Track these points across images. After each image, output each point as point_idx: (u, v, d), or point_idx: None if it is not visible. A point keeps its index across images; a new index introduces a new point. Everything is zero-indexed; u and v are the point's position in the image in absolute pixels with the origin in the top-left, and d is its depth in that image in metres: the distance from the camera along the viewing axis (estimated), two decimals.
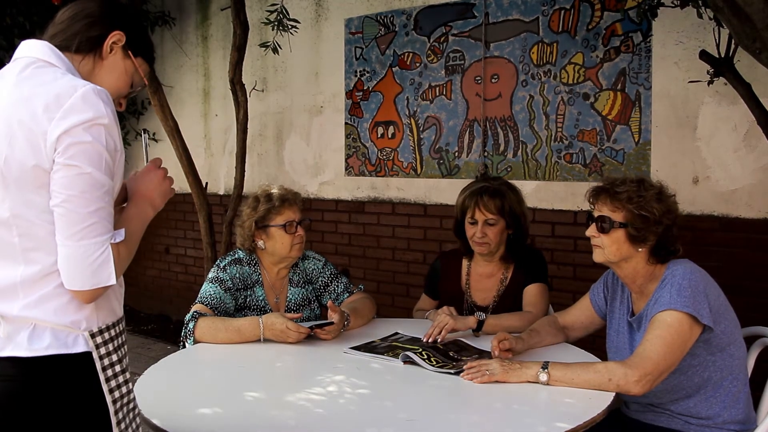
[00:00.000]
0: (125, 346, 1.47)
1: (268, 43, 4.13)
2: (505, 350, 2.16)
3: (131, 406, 1.45)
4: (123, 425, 1.41)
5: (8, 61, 1.46)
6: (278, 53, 4.20)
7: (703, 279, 2.04)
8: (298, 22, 4.21)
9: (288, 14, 4.08)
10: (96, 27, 1.48)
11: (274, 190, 2.69)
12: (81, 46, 1.47)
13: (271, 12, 4.03)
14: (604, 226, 2.09)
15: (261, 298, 2.64)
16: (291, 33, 4.15)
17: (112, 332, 1.42)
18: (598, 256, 2.14)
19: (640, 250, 2.08)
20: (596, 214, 2.12)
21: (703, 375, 2.06)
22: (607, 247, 2.10)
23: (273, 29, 4.06)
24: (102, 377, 1.37)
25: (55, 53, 1.43)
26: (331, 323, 2.42)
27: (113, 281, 1.34)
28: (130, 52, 1.53)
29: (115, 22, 1.50)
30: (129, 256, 1.41)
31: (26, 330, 1.34)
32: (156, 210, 1.55)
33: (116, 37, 1.50)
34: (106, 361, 1.39)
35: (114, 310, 1.45)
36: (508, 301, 2.70)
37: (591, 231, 2.13)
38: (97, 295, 1.36)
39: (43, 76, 1.37)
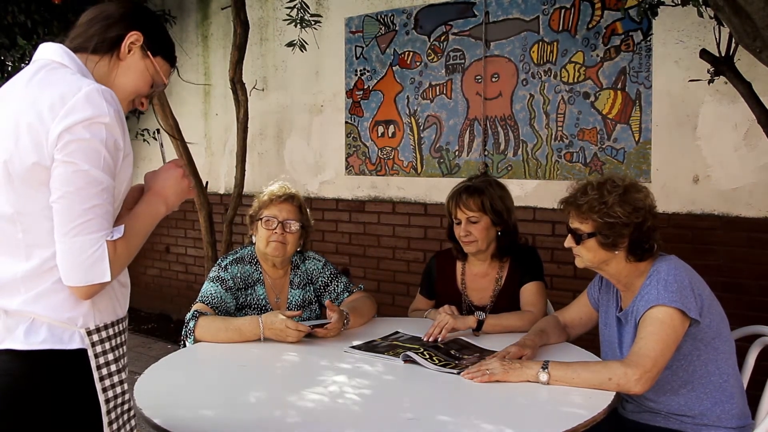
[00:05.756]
0: (124, 347, 1.47)
1: (295, 42, 4.12)
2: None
3: (126, 407, 1.45)
4: (115, 426, 1.40)
5: (9, 60, 1.48)
6: (305, 50, 4.19)
7: (688, 274, 2.07)
8: (320, 17, 4.21)
9: (309, 8, 4.07)
10: (114, 28, 1.51)
11: (273, 186, 2.70)
12: (98, 46, 1.49)
13: (291, 8, 4.03)
14: (576, 237, 2.14)
15: (262, 297, 2.64)
16: (314, 28, 4.15)
17: (110, 331, 1.43)
18: (579, 263, 2.19)
19: (616, 252, 2.11)
20: (570, 225, 2.17)
21: (688, 369, 2.07)
22: (584, 255, 2.15)
23: (295, 26, 4.06)
24: (96, 375, 1.38)
25: (68, 54, 1.45)
26: (330, 323, 2.42)
27: (108, 278, 1.35)
28: (149, 52, 1.54)
29: (133, 23, 1.52)
30: (129, 254, 1.41)
31: (24, 324, 1.36)
32: (169, 208, 1.55)
33: (134, 38, 1.51)
34: (101, 360, 1.39)
35: (115, 310, 1.46)
36: (505, 299, 2.70)
37: (568, 242, 2.18)
38: (94, 292, 1.37)
39: (52, 77, 1.40)
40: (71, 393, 1.36)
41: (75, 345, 1.37)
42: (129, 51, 1.52)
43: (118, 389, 1.42)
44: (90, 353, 1.38)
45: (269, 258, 2.64)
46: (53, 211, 1.34)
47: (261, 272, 2.67)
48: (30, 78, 1.41)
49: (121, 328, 1.47)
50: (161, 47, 1.58)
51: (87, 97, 1.34)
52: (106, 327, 1.42)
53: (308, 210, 2.75)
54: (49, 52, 1.46)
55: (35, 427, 1.33)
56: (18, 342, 1.35)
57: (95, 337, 1.39)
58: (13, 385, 1.34)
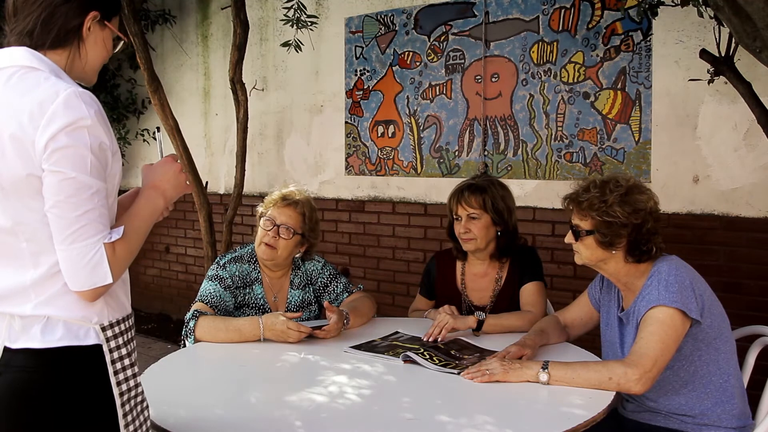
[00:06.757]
0: (134, 342, 1.49)
1: (290, 42, 4.12)
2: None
3: (139, 399, 1.46)
4: (129, 418, 1.42)
5: None
6: (300, 50, 4.20)
7: (689, 274, 2.07)
8: (317, 17, 4.20)
9: (306, 9, 4.08)
10: (73, 18, 1.45)
11: (288, 188, 2.72)
12: (60, 40, 1.45)
13: (288, 9, 4.03)
14: (576, 234, 2.15)
15: (260, 296, 2.64)
16: (311, 29, 4.16)
17: (122, 327, 1.45)
18: (577, 260, 2.21)
19: (614, 252, 2.12)
20: (571, 221, 2.18)
21: (689, 369, 2.07)
22: (582, 252, 2.17)
23: (292, 26, 4.06)
24: (110, 370, 1.40)
25: (36, 56, 1.41)
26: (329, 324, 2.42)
27: (110, 280, 1.36)
28: (105, 21, 1.50)
29: (89, 4, 1.47)
30: (130, 253, 1.42)
31: (39, 323, 1.37)
32: (167, 201, 1.55)
33: (92, 16, 1.47)
34: (115, 355, 1.41)
35: (124, 306, 1.48)
36: (505, 299, 2.70)
37: (568, 238, 2.20)
38: (99, 294, 1.38)
39: (26, 83, 1.37)
40: (87, 388, 1.38)
41: (91, 341, 1.38)
42: (89, 29, 1.47)
43: (132, 383, 1.44)
44: (105, 348, 1.40)
45: (264, 260, 2.64)
46: (48, 220, 1.34)
47: (259, 271, 2.67)
48: (3, 87, 1.38)
49: (130, 324, 1.49)
50: (113, 9, 1.52)
51: (65, 102, 1.32)
52: (118, 322, 1.44)
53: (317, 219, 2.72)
54: (16, 58, 1.40)
55: (52, 423, 1.34)
56: (35, 341, 1.36)
57: (109, 333, 1.41)
58: (29, 382, 1.35)
